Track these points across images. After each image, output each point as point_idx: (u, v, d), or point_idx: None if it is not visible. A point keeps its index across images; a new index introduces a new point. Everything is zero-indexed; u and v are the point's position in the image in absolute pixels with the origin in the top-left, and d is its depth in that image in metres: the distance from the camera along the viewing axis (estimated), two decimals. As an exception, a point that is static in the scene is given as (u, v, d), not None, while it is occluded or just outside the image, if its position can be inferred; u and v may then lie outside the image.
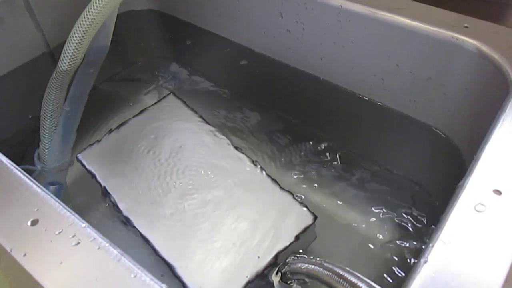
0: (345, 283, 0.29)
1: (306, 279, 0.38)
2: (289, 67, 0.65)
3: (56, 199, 0.34)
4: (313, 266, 0.35)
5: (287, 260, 0.43)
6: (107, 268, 0.29)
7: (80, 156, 0.61)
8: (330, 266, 0.32)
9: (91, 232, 0.32)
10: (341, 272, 0.30)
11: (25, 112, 0.67)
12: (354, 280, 0.28)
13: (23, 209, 0.33)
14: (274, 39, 0.63)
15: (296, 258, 0.42)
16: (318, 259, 0.36)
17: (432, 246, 0.30)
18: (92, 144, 0.62)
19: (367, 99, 0.59)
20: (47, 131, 0.61)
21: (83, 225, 0.32)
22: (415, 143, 0.58)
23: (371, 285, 0.27)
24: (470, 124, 0.51)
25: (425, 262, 0.29)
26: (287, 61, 0.65)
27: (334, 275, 0.31)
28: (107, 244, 0.31)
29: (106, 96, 0.74)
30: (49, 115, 0.61)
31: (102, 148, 0.62)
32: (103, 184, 0.57)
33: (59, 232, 0.32)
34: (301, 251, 0.52)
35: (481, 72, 0.47)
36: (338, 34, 0.56)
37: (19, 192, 0.34)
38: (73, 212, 0.33)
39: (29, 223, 0.32)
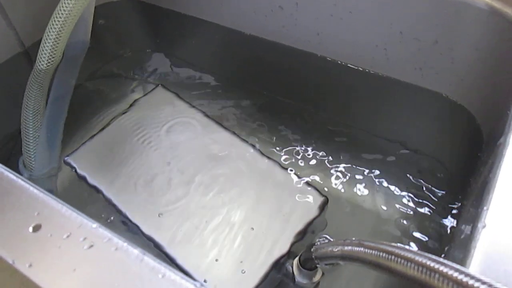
0: (398, 259, 0.26)
1: (341, 262, 0.35)
2: (283, 47, 0.61)
3: (59, 200, 0.30)
4: (350, 247, 0.32)
5: (313, 246, 0.40)
6: (129, 271, 0.26)
7: (69, 159, 0.56)
8: (372, 244, 0.29)
9: (104, 232, 0.28)
10: (389, 248, 0.27)
11: (4, 119, 0.62)
12: (409, 255, 0.25)
13: (22, 215, 0.29)
14: (266, 18, 0.60)
15: (323, 242, 0.39)
16: (354, 239, 0.33)
17: (487, 209, 0.27)
18: (81, 145, 0.58)
19: (369, 72, 0.57)
20: (31, 137, 0.56)
21: (94, 225, 0.28)
22: (425, 113, 0.56)
23: (430, 257, 0.24)
24: (482, 86, 0.49)
25: (484, 227, 0.26)
26: (281, 40, 0.61)
27: (381, 253, 0.28)
28: (125, 244, 0.27)
29: (90, 95, 0.69)
30: (31, 119, 0.56)
31: (91, 149, 0.58)
32: (97, 186, 0.53)
33: (67, 236, 0.28)
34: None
35: (493, 29, 0.45)
36: (335, 5, 0.53)
37: (15, 196, 0.30)
38: (79, 213, 0.29)
39: (30, 229, 0.28)
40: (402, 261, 0.25)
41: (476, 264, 0.25)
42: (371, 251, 0.29)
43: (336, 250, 0.35)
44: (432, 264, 0.24)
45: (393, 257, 0.26)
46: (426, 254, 0.25)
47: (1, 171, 0.31)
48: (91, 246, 0.27)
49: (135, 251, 0.27)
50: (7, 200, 0.30)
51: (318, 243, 0.41)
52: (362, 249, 0.30)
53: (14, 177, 0.31)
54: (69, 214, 0.29)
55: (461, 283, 0.21)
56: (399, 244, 0.27)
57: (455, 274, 0.22)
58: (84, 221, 0.28)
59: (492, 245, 0.25)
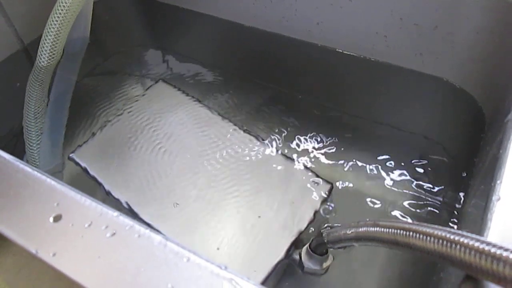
0: (417, 235, 0.26)
1: (355, 244, 0.35)
2: (283, 38, 0.62)
3: (77, 190, 0.30)
4: (365, 228, 0.32)
5: (324, 231, 0.40)
6: (153, 256, 0.26)
7: (73, 156, 0.56)
8: (388, 223, 0.30)
9: (126, 220, 0.28)
10: (406, 225, 0.28)
11: (5, 117, 0.61)
12: (427, 230, 0.26)
13: (42, 206, 0.29)
14: (265, 9, 0.60)
15: (334, 226, 0.39)
16: (368, 219, 0.33)
17: (501, 182, 0.28)
18: (84, 142, 0.58)
19: (370, 59, 0.57)
20: (33, 134, 0.56)
21: (115, 213, 0.28)
22: (426, 98, 0.57)
23: (449, 230, 0.25)
24: (482, 68, 0.50)
25: (498, 199, 0.27)
26: (281, 31, 0.62)
27: (399, 230, 0.28)
28: (148, 231, 0.27)
29: (91, 91, 0.69)
30: (32, 116, 0.56)
31: (96, 145, 0.58)
32: (102, 182, 0.53)
33: (89, 225, 0.28)
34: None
35: (493, 12, 0.46)
36: (334, -6, 0.54)
37: (32, 188, 0.30)
38: (99, 202, 0.29)
39: (51, 219, 0.28)
40: (421, 236, 0.26)
41: (494, 235, 0.25)
42: (387, 230, 0.29)
43: (349, 232, 0.35)
44: (452, 237, 0.24)
45: (411, 233, 0.27)
46: (444, 228, 0.26)
47: (17, 164, 0.31)
48: (114, 234, 0.27)
49: (158, 237, 0.27)
50: (25, 193, 0.30)
51: (329, 228, 0.41)
52: (377, 228, 0.31)
53: (30, 170, 0.31)
54: (89, 203, 0.29)
55: (484, 251, 0.22)
56: (415, 221, 0.28)
57: (477, 244, 0.22)
58: (104, 210, 0.28)
59: (508, 216, 0.26)
